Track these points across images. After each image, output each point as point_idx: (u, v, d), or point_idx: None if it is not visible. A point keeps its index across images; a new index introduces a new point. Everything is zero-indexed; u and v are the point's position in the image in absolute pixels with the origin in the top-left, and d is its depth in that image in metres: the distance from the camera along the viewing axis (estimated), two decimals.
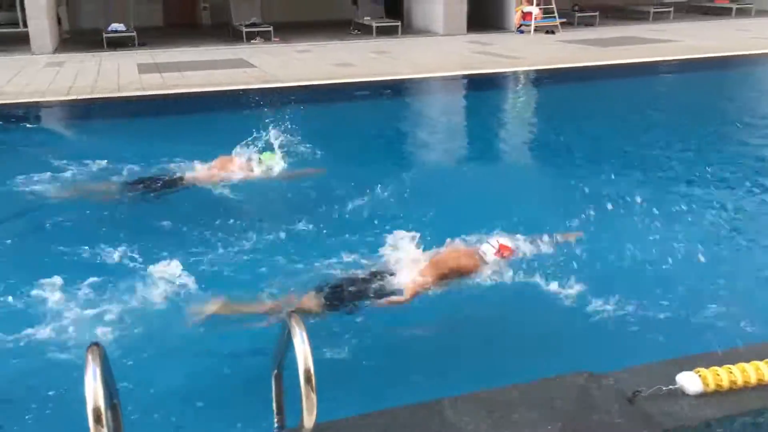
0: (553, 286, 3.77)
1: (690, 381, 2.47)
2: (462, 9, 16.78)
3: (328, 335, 3.34)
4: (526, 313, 3.64)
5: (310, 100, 9.94)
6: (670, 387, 2.42)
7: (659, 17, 19.22)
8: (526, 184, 5.88)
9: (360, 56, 13.42)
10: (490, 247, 4.01)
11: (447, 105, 10.45)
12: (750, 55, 12.83)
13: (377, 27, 16.81)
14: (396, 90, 10.62)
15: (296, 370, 1.77)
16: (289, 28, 17.39)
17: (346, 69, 11.86)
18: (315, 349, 1.78)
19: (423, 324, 3.56)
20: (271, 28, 16.21)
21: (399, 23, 17.12)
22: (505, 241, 4.04)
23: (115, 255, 4.17)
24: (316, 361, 1.78)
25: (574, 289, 3.76)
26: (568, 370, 2.60)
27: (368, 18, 17.41)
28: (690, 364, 2.59)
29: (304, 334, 1.80)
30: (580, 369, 2.60)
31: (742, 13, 19.70)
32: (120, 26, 15.45)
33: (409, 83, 11.10)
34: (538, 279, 3.82)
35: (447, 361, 3.19)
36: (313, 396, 1.76)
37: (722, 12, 19.97)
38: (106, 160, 6.29)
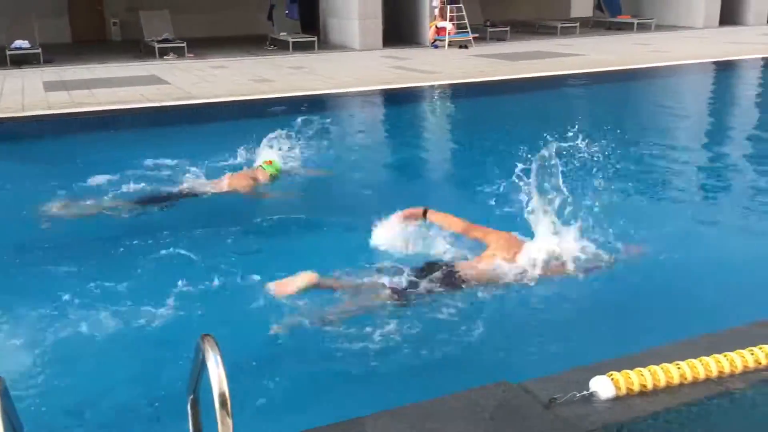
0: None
1: (603, 385, 2.56)
2: (377, 24, 16.98)
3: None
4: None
5: (225, 116, 9.80)
6: (584, 393, 2.50)
7: (566, 32, 20.00)
8: (441, 195, 5.99)
9: (277, 72, 13.36)
10: None
11: (365, 119, 10.51)
12: (650, 67, 13.50)
13: (294, 42, 16.79)
14: (314, 105, 10.62)
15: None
16: (204, 44, 17.14)
17: (264, 84, 11.77)
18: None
19: None
20: (184, 44, 15.92)
21: (315, 38, 17.15)
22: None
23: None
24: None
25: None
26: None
27: (284, 33, 17.37)
28: (604, 368, 2.68)
29: (219, 357, 1.76)
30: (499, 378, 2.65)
31: (643, 27, 20.75)
32: (24, 43, 14.85)
33: (327, 98, 11.12)
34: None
35: None
36: (229, 421, 1.72)
37: (624, 27, 20.97)
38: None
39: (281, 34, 17.40)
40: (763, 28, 20.30)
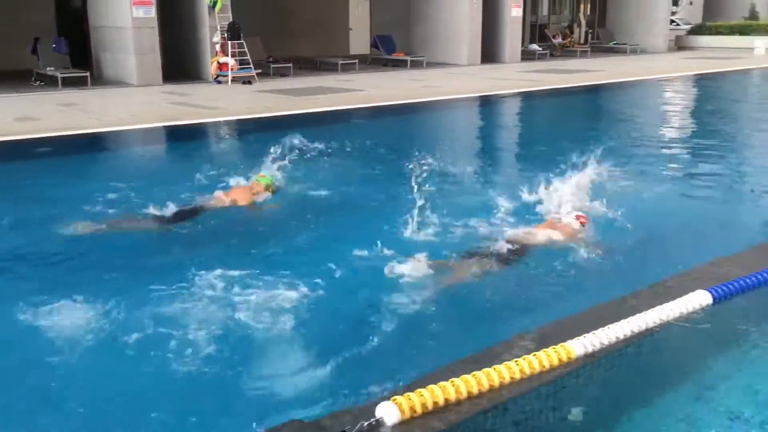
0: None
1: (388, 411, 2.66)
2: (156, 59, 16.41)
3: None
4: None
5: None
6: (371, 420, 2.58)
7: (347, 68, 20.80)
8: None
9: (45, 109, 12.37)
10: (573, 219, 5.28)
11: (142, 157, 10.07)
12: (424, 102, 14.47)
13: (63, 78, 15.66)
14: (86, 144, 9.99)
15: None
16: None
17: (28, 124, 10.83)
18: None
19: None
20: None
21: (88, 74, 16.15)
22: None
23: None
24: None
25: None
26: None
27: (52, 68, 16.14)
28: (400, 392, 2.79)
29: None
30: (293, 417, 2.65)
31: (416, 64, 22.20)
32: None
33: (101, 137, 10.50)
34: None
35: None
36: None
37: (400, 63, 22.29)
38: None
39: (48, 69, 16.16)
40: (516, 66, 22.67)
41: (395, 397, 2.72)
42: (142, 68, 16.17)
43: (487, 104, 15.08)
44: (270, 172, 6.71)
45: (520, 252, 5.00)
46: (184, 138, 11.11)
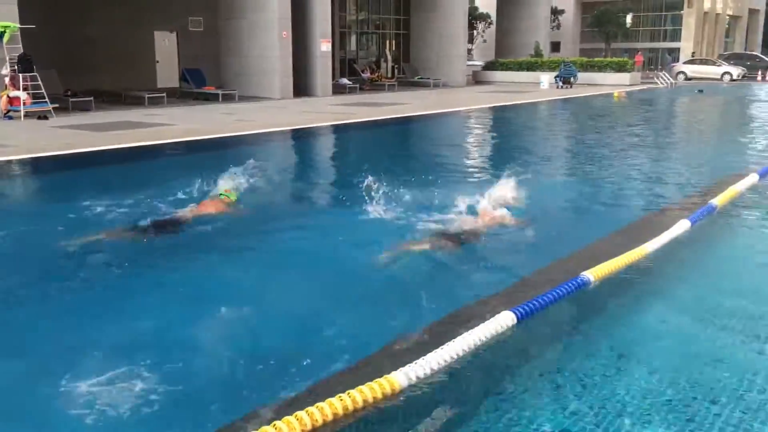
0: None
1: None
2: None
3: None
4: None
5: None
6: None
7: (154, 102, 20.03)
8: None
9: None
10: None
11: None
12: (237, 136, 14.28)
13: None
14: None
15: None
16: None
17: None
18: None
19: None
20: None
21: None
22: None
23: None
24: None
25: None
26: None
27: None
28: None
29: None
30: None
31: (228, 98, 21.91)
32: None
33: None
34: None
35: None
36: None
37: (211, 97, 21.88)
38: None
39: None
40: (328, 99, 23.16)
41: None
42: None
43: (302, 137, 15.21)
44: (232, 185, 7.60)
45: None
46: None
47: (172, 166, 11.62)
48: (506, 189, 7.33)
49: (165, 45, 25.61)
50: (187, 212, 6.96)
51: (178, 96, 22.27)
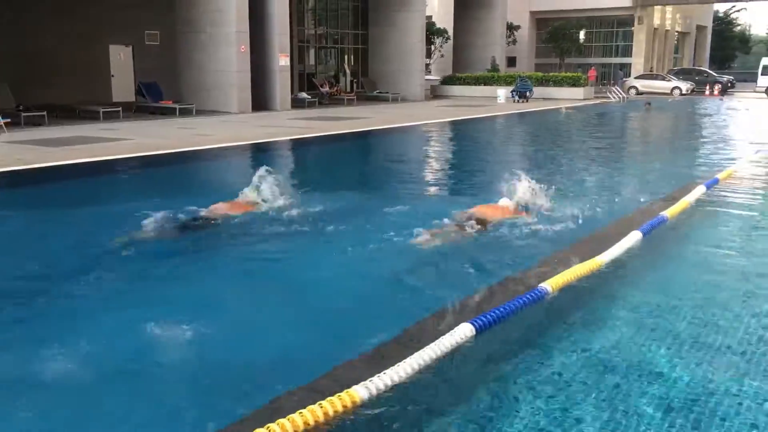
0: None
1: None
2: None
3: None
4: None
5: None
6: None
7: (110, 117, 19.75)
8: None
9: None
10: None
11: None
12: (197, 150, 14.17)
13: None
14: None
15: None
16: None
17: None
18: None
19: None
20: None
21: None
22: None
23: None
24: None
25: None
26: None
27: None
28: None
29: None
30: None
31: (185, 112, 21.72)
32: None
33: None
34: None
35: None
36: None
37: (168, 111, 21.65)
38: None
39: None
40: (287, 113, 23.14)
41: None
42: None
43: (262, 151, 15.17)
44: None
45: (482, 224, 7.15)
46: None
47: (128, 182, 11.48)
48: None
49: (120, 59, 25.28)
50: (215, 209, 7.79)
51: (134, 110, 21.99)
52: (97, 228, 7.47)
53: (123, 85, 25.09)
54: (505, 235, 6.99)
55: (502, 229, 7.10)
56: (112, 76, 25.20)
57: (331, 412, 3.26)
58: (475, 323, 4.38)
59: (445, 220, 7.22)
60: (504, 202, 7.82)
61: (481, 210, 7.61)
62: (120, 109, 20.47)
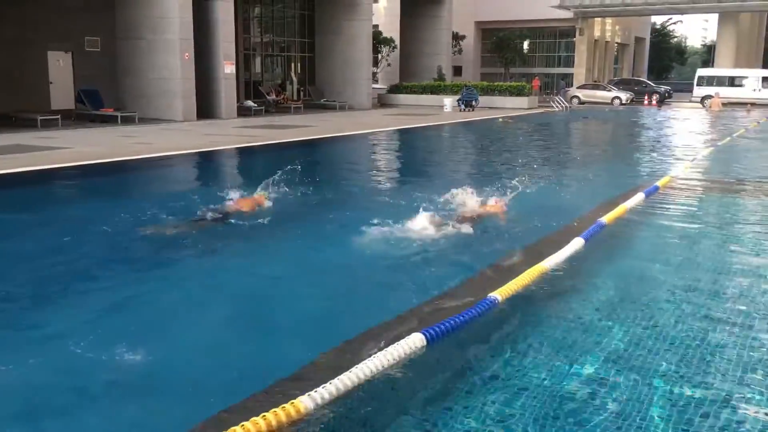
0: None
1: None
2: None
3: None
4: None
5: None
6: None
7: (48, 125, 19.18)
8: None
9: None
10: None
11: None
12: (139, 159, 13.85)
13: None
14: None
15: None
16: None
17: None
18: None
19: None
20: None
21: None
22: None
23: None
24: None
25: None
26: None
27: None
28: None
29: None
30: None
31: (127, 120, 21.24)
32: None
33: None
34: None
35: None
36: None
37: (109, 119, 21.14)
38: None
39: None
40: (233, 122, 22.88)
41: None
42: None
43: (207, 160, 14.94)
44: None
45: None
46: None
47: (66, 192, 11.15)
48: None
49: (59, 65, 24.57)
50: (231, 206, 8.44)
51: (74, 118, 21.41)
52: (29, 240, 7.22)
53: (62, 93, 24.35)
54: (447, 243, 7.02)
55: (442, 241, 7.14)
56: (51, 83, 24.46)
57: (274, 424, 3.20)
58: (427, 333, 4.37)
59: (384, 228, 7.20)
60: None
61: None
62: (59, 116, 19.91)
